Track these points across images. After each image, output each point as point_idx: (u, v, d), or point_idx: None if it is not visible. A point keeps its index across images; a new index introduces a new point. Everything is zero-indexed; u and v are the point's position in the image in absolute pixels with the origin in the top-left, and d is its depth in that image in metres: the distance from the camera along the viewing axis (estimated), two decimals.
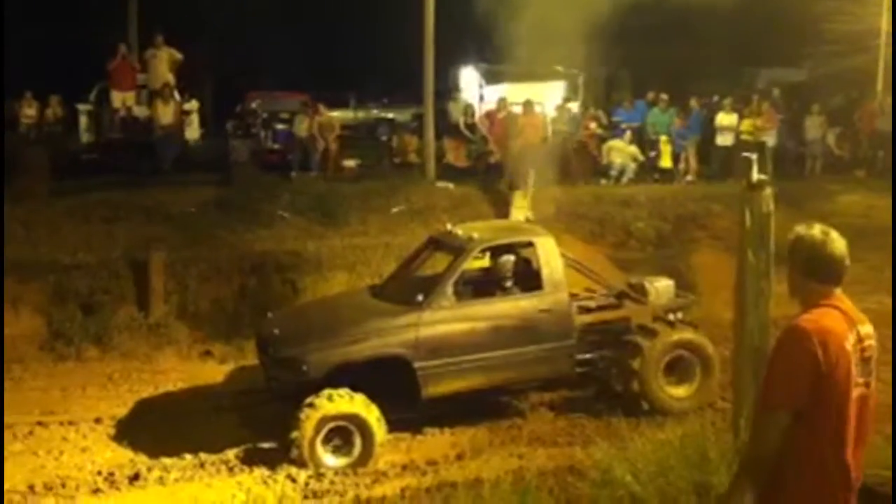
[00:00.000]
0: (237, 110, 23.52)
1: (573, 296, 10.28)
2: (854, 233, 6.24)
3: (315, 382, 8.83)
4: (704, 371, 9.88)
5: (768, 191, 7.06)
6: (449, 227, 10.76)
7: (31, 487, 8.38)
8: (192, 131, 20.25)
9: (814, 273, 4.02)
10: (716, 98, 23.38)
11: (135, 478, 8.57)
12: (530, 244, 10.08)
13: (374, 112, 28.22)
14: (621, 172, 19.28)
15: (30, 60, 20.82)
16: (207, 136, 22.11)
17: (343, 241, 14.27)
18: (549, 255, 9.89)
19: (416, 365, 9.15)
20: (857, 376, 3.94)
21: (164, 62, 19.27)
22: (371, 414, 8.72)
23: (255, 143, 20.72)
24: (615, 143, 19.75)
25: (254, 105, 23.37)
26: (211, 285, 13.30)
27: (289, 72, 28.34)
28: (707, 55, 28.73)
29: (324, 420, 8.56)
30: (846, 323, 3.97)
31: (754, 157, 7.23)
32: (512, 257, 10.10)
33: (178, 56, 19.46)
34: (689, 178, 19.90)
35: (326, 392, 8.67)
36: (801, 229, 4.10)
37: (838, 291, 4.05)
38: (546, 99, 21.04)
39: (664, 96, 20.77)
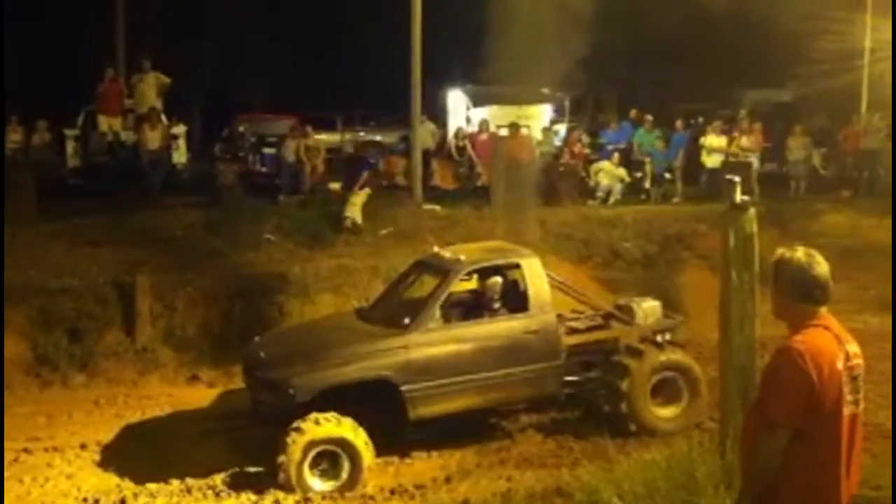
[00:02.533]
0: (224, 134, 23.54)
1: (561, 317, 10.28)
2: (840, 252, 6.29)
3: (302, 406, 8.78)
4: (691, 392, 9.88)
5: (752, 211, 7.09)
6: (436, 249, 10.79)
7: None
8: (180, 155, 20.24)
9: (801, 295, 4.04)
10: (701, 119, 23.54)
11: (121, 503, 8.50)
12: (517, 266, 10.09)
13: (362, 134, 28.23)
14: (608, 193, 19.34)
15: (16, 85, 20.76)
16: (195, 159, 22.11)
17: (330, 264, 14.24)
18: (536, 276, 9.90)
19: (403, 388, 9.13)
20: (847, 395, 3.97)
21: (151, 86, 19.31)
22: (359, 437, 8.68)
23: (242, 167, 20.71)
24: (602, 164, 19.84)
25: (241, 128, 23.41)
26: (198, 309, 13.24)
27: (276, 95, 28.36)
28: (693, 76, 28.92)
29: (311, 444, 8.52)
30: (836, 342, 4.01)
31: (737, 179, 7.28)
32: (499, 279, 10.10)
33: (166, 80, 19.50)
34: (675, 199, 19.97)
35: (313, 416, 8.63)
36: (784, 252, 4.13)
37: (825, 311, 4.08)
38: (533, 121, 21.13)
39: (649, 117, 20.87)
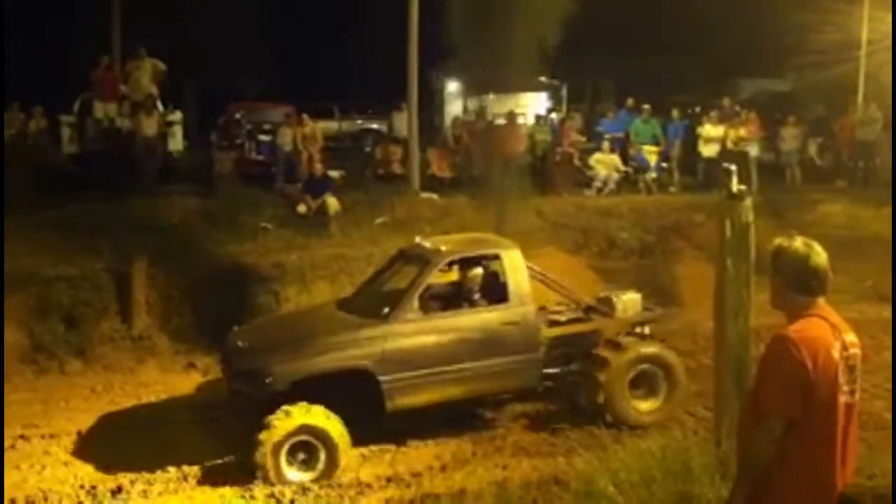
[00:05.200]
0: (221, 122, 23.49)
1: (542, 309, 10.25)
2: (836, 243, 6.29)
3: (279, 395, 8.72)
4: (670, 385, 9.84)
5: (748, 201, 7.10)
6: (417, 239, 10.75)
7: (13, 501, 8.31)
8: (176, 143, 20.20)
9: (799, 285, 4.05)
10: (698, 109, 23.55)
11: (118, 491, 8.51)
12: (497, 257, 10.03)
13: (359, 123, 28.21)
14: (604, 183, 19.35)
15: (11, 72, 20.70)
16: (191, 147, 22.06)
17: (326, 252, 14.23)
18: (516, 268, 9.84)
19: (381, 378, 9.07)
20: (843, 384, 3.99)
21: (147, 73, 19.26)
22: (332, 425, 8.61)
23: (238, 155, 20.70)
24: (600, 154, 19.84)
25: (237, 116, 23.37)
26: (194, 297, 13.25)
27: (273, 83, 28.34)
28: (691, 66, 28.94)
29: (284, 437, 8.45)
30: (832, 332, 4.01)
31: (734, 167, 7.29)
32: (479, 270, 10.06)
33: (162, 67, 19.44)
34: (672, 189, 20.01)
35: (284, 409, 8.56)
36: (782, 241, 4.13)
37: (822, 301, 4.09)
38: (529, 110, 21.14)
39: (646, 107, 20.87)
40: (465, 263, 10.12)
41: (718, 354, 7.33)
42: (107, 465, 9.13)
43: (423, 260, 9.98)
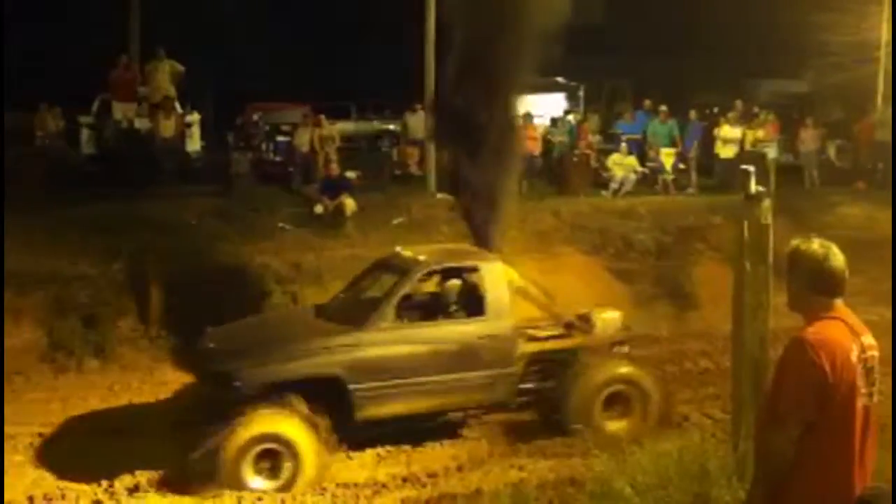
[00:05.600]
0: (238, 122, 23.57)
1: (524, 324, 10.09)
2: (854, 244, 6.25)
3: (248, 400, 8.61)
4: (643, 406, 9.71)
5: (767, 202, 7.06)
6: (398, 248, 10.63)
7: (31, 499, 8.36)
8: (193, 143, 20.29)
9: (817, 287, 4.03)
10: (716, 110, 23.46)
11: (134, 489, 8.55)
12: (476, 269, 9.93)
13: (376, 123, 28.24)
14: (621, 184, 19.31)
15: (31, 72, 20.86)
16: (208, 148, 22.15)
17: (343, 253, 14.27)
18: (495, 281, 9.73)
19: (351, 386, 8.97)
20: (861, 387, 3.97)
21: (165, 74, 19.34)
22: (297, 432, 8.48)
23: (255, 156, 20.76)
24: (617, 156, 19.79)
25: (255, 117, 23.44)
26: (211, 297, 13.28)
27: (290, 83, 28.37)
28: (709, 67, 28.82)
29: (248, 444, 8.32)
30: (850, 334, 4.00)
31: (752, 169, 7.25)
32: (457, 282, 9.99)
33: (180, 68, 19.52)
34: (689, 190, 19.96)
35: (248, 414, 8.44)
36: (799, 243, 4.11)
37: (840, 303, 4.07)
38: (546, 110, 21.09)
39: (664, 108, 20.81)
40: (444, 274, 10.06)
41: (736, 356, 7.29)
42: (123, 463, 9.15)
43: (400, 269, 9.90)
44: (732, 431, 7.10)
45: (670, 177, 19.94)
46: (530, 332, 10.12)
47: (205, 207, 16.16)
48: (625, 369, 9.83)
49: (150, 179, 17.67)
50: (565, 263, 11.59)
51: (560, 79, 22.61)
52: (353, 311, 9.65)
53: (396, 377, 9.13)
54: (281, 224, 15.53)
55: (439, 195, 17.78)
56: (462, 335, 9.56)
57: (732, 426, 7.22)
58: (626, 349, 10.33)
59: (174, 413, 10.36)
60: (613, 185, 19.33)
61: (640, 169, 19.79)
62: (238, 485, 8.23)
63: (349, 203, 15.82)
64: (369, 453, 9.08)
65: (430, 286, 10.32)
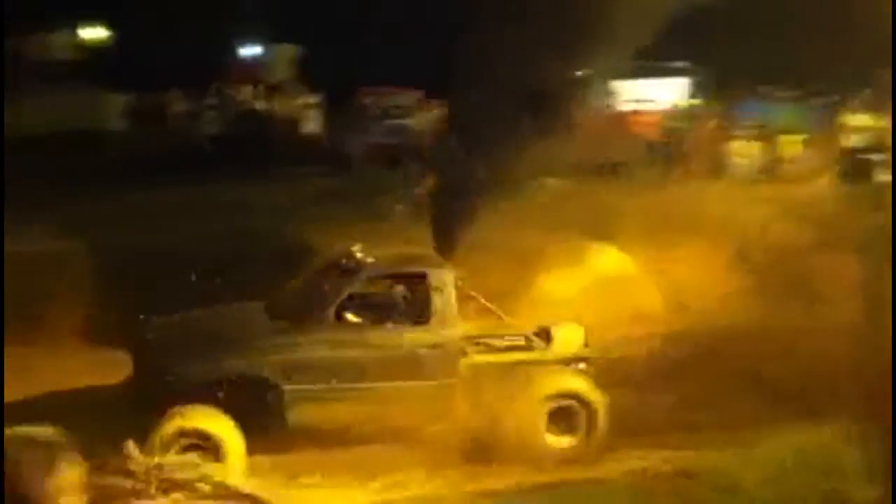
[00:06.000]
0: (352, 105, 23.81)
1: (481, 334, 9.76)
2: None
3: (180, 395, 8.45)
4: (590, 425, 9.09)
5: None
6: (353, 248, 10.08)
7: None
8: (310, 125, 20.57)
9: None
10: (837, 97, 22.67)
11: None
12: (423, 275, 9.43)
13: None
14: (743, 171, 18.86)
15: (152, 55, 21.46)
16: (323, 130, 22.46)
17: None
18: (443, 288, 9.26)
19: (283, 388, 8.67)
20: None
21: (283, 58, 19.69)
22: (224, 431, 8.26)
23: (369, 138, 20.96)
24: (739, 142, 19.35)
25: (367, 101, 23.65)
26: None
27: (403, 67, 28.56)
28: (834, 53, 27.83)
29: (172, 439, 8.11)
30: None
31: (879, 157, 6.94)
32: (402, 287, 9.58)
33: (297, 51, 19.83)
34: (812, 178, 19.34)
35: (177, 410, 8.28)
36: None
37: None
38: (666, 96, 20.72)
39: (787, 94, 20.22)
40: (392, 278, 9.68)
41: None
42: None
43: (348, 270, 9.53)
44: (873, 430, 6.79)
45: (794, 164, 19.35)
46: (488, 341, 9.72)
47: (321, 187, 16.37)
48: (575, 385, 9.25)
49: (268, 160, 18.01)
50: (687, 253, 11.27)
51: (681, 63, 22.12)
52: (298, 310, 9.32)
53: (331, 381, 8.75)
54: (396, 204, 15.64)
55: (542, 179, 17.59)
56: (403, 342, 9.11)
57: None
58: (582, 366, 9.58)
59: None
60: (735, 172, 18.86)
61: (761, 156, 19.27)
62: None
63: None
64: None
65: (382, 289, 9.84)
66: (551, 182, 17.47)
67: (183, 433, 8.17)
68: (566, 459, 8.75)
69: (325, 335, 8.97)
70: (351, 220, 14.91)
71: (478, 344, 9.60)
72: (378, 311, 9.55)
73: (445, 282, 9.35)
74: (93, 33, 22.09)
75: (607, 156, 18.83)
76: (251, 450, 8.27)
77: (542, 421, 9.03)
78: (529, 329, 9.84)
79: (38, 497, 2.38)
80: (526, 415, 8.97)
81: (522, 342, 9.79)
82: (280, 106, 18.72)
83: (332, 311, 9.05)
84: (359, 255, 9.77)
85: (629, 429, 9.28)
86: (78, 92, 19.49)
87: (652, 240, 12.98)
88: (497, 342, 9.83)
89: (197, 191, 15.81)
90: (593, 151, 19.46)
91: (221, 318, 10.01)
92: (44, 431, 2.55)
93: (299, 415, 8.70)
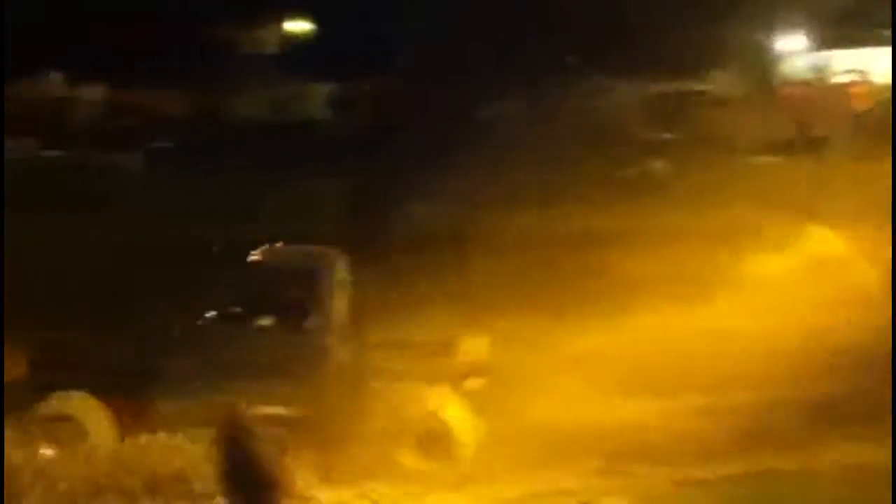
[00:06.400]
0: None
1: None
2: None
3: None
4: (454, 447, 8.77)
5: None
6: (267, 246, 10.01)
7: None
8: None
9: None
10: None
11: None
12: (311, 273, 9.41)
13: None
14: None
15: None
16: None
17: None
18: (329, 287, 9.27)
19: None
20: None
21: None
22: (89, 415, 8.69)
23: None
24: None
25: None
26: None
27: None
28: None
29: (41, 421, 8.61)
30: None
31: None
32: (287, 284, 9.50)
33: None
34: None
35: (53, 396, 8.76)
36: None
37: None
38: (877, 67, 19.70)
39: None
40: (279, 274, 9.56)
41: None
42: None
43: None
44: None
45: None
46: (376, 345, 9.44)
47: None
48: (442, 406, 8.96)
49: None
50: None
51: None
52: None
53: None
54: None
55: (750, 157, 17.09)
56: (286, 340, 9.20)
57: None
58: (479, 381, 9.24)
59: None
60: None
61: None
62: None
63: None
64: None
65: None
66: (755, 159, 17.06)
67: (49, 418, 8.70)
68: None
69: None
70: None
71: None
72: (263, 307, 9.58)
73: (334, 281, 9.36)
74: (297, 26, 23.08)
75: (812, 131, 18.17)
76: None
77: (408, 440, 8.83)
78: (430, 337, 9.56)
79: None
80: (390, 430, 8.85)
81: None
82: None
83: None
84: (256, 251, 9.75)
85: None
86: (285, 83, 20.62)
87: (867, 219, 12.41)
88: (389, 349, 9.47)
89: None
90: (800, 125, 18.84)
91: None
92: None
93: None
